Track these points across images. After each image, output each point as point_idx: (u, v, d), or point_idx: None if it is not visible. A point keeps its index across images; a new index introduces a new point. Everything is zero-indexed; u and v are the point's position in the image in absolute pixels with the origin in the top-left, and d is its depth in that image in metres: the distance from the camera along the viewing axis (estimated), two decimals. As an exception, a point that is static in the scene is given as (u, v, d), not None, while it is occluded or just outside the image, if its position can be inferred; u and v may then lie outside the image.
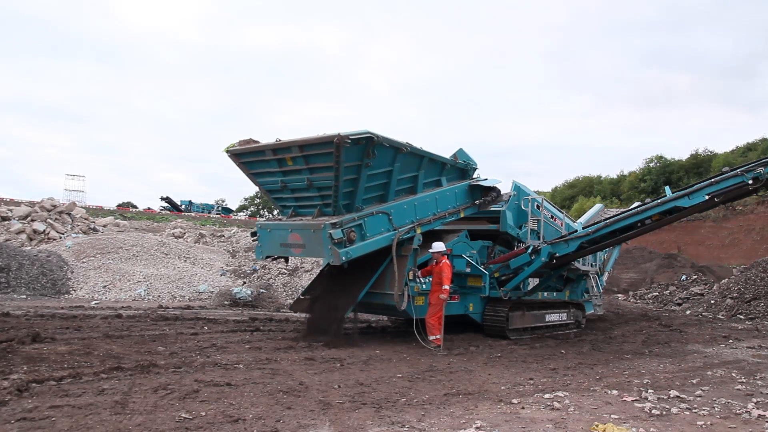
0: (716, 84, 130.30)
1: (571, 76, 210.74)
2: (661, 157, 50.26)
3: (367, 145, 7.88)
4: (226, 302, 13.67)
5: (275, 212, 9.95)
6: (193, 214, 58.66)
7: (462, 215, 10.05)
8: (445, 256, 8.95)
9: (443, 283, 8.57)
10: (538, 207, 10.91)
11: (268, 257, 9.61)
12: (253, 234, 9.70)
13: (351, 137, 7.54)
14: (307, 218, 8.68)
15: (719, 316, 15.09)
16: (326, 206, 8.42)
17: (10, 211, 20.16)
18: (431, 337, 8.61)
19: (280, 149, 8.31)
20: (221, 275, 16.86)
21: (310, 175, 8.23)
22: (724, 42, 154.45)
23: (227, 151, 8.93)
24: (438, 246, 8.91)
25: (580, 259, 11.47)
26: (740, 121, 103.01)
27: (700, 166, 46.43)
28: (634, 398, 5.73)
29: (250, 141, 8.83)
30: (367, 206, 8.55)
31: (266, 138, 8.81)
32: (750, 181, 8.48)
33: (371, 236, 8.41)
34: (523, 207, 10.91)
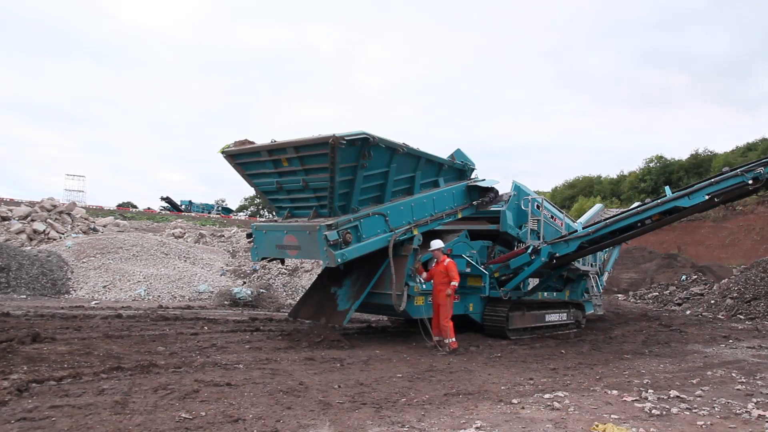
0: (713, 84, 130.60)
1: (567, 76, 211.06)
2: (661, 157, 50.34)
3: (363, 146, 7.84)
4: (226, 302, 13.67)
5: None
6: (193, 214, 58.67)
7: (460, 216, 10.03)
8: (447, 254, 8.91)
9: (452, 280, 8.42)
10: (538, 207, 10.90)
11: (263, 259, 9.58)
12: (249, 236, 9.67)
13: (346, 138, 7.48)
14: (303, 220, 8.64)
15: (719, 316, 15.08)
16: (322, 207, 8.37)
17: (10, 211, 20.13)
18: (447, 340, 8.38)
19: (275, 150, 8.27)
20: (221, 275, 16.86)
21: (306, 176, 8.19)
22: (720, 41, 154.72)
23: (222, 153, 8.90)
24: (436, 244, 8.81)
25: (580, 259, 11.48)
26: (737, 120, 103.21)
27: (700, 166, 46.44)
28: (634, 398, 5.73)
29: (245, 142, 8.78)
30: (364, 207, 8.51)
31: (263, 138, 8.80)
32: (750, 181, 8.48)
33: (367, 238, 8.37)
34: (523, 207, 10.91)
